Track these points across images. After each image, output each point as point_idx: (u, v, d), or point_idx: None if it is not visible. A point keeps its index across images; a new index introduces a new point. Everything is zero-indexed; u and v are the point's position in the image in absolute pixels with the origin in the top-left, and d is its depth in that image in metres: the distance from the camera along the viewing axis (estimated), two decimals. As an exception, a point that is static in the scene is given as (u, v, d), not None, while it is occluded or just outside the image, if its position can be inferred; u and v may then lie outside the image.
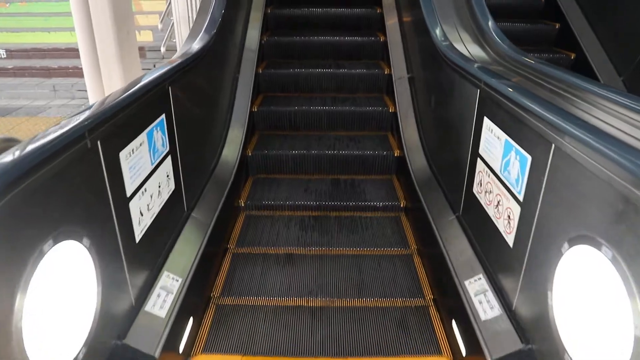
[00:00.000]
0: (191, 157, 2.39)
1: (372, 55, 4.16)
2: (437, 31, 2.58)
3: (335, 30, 4.27)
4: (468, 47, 2.58)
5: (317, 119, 3.58)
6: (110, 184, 1.40)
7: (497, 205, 1.73)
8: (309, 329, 2.13)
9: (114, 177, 1.44)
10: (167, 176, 1.99)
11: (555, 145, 1.26)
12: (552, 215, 1.30)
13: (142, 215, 1.68)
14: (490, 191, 1.80)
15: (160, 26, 5.43)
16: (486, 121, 1.84)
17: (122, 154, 1.50)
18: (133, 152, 1.59)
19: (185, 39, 2.85)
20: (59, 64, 8.35)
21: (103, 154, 1.35)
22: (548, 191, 1.32)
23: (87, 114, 1.27)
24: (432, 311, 2.25)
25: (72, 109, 6.93)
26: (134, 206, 1.60)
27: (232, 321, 2.18)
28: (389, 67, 3.80)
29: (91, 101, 3.79)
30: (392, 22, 4.16)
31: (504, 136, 1.65)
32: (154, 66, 7.62)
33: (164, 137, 1.94)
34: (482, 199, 1.89)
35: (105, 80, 3.48)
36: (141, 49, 8.19)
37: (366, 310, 2.24)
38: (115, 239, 1.46)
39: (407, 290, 2.36)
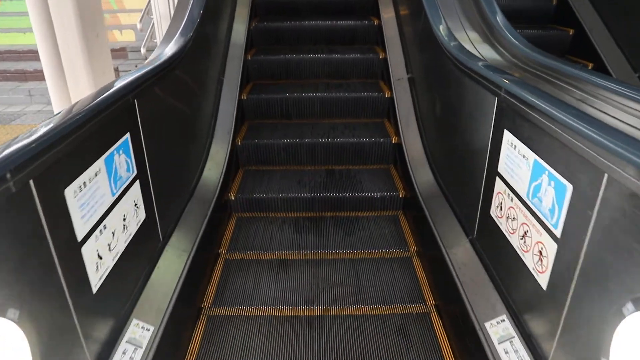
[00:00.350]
0: (167, 177, 2.14)
1: (366, 39, 4.01)
2: (442, 28, 2.33)
3: (327, 16, 4.10)
4: (477, 47, 2.33)
5: (310, 107, 3.44)
6: (52, 230, 1.14)
7: (523, 236, 1.48)
8: (306, 340, 2.02)
9: (57, 221, 1.17)
10: (136, 205, 1.73)
11: (608, 175, 1.02)
12: (607, 263, 1.05)
13: (101, 258, 1.42)
14: (514, 218, 1.56)
15: (139, 26, 5.14)
16: (507, 135, 1.59)
17: (69, 191, 1.23)
18: (85, 185, 1.33)
19: (160, 41, 2.59)
20: (35, 67, 8.02)
21: (39, 196, 1.09)
22: (598, 231, 1.08)
23: (11, 147, 1.01)
24: (434, 318, 2.12)
25: (48, 115, 6.62)
26: (89, 250, 1.34)
27: (224, 334, 2.06)
28: (384, 51, 3.62)
29: (56, 111, 3.50)
30: (388, 15, 3.92)
31: (532, 156, 1.41)
32: (136, 67, 7.31)
33: (129, 160, 1.67)
34: (503, 225, 1.64)
35: (72, 88, 3.18)
36: (122, 49, 7.90)
37: (365, 318, 2.14)
38: (62, 296, 1.20)
39: (407, 295, 2.26)
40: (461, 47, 2.06)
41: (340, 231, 2.71)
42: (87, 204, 1.33)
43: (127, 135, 1.66)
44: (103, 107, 1.42)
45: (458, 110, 2.12)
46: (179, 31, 2.43)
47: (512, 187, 1.57)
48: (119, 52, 7.59)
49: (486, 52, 2.24)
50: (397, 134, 3.06)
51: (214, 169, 2.85)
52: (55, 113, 1.54)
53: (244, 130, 3.32)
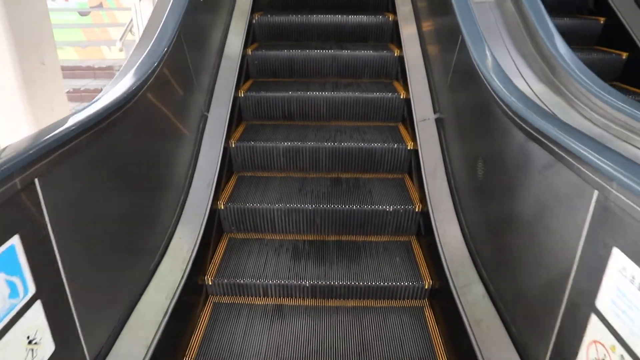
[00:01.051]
0: (104, 271, 1.57)
1: (380, 37, 3.83)
2: (492, 70, 1.76)
3: (337, 10, 3.91)
4: (544, 100, 1.77)
5: (315, 107, 3.21)
6: None
7: None
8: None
9: None
10: (32, 342, 1.17)
11: None
12: None
13: None
14: (635, 402, 0.97)
15: (119, 45, 4.64)
16: (619, 257, 1.02)
17: None
18: None
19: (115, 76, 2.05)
20: None
21: None
22: None
23: None
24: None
25: None
26: None
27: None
28: (400, 49, 3.41)
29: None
30: (409, 32, 3.43)
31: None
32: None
33: (17, 279, 1.11)
34: (608, 400, 1.05)
35: (3, 131, 2.59)
36: (109, 68, 7.43)
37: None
38: None
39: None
40: (528, 103, 1.48)
41: (345, 259, 2.43)
42: None
43: (15, 239, 1.10)
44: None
45: (519, 189, 1.54)
46: (135, 66, 1.90)
47: (629, 347, 0.98)
48: (106, 71, 7.11)
49: (558, 107, 1.67)
50: (423, 203, 2.51)
51: (186, 236, 2.29)
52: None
53: (240, 131, 3.07)
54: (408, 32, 3.47)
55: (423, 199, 2.51)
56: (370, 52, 3.45)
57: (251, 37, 3.76)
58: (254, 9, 3.85)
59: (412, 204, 2.55)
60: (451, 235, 2.13)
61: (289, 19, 3.79)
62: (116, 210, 1.65)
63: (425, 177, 2.48)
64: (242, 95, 3.16)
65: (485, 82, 1.72)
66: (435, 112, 2.70)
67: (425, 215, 2.45)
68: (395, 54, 3.42)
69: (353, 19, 3.76)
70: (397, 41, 3.58)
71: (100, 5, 9.58)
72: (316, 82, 3.43)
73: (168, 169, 2.21)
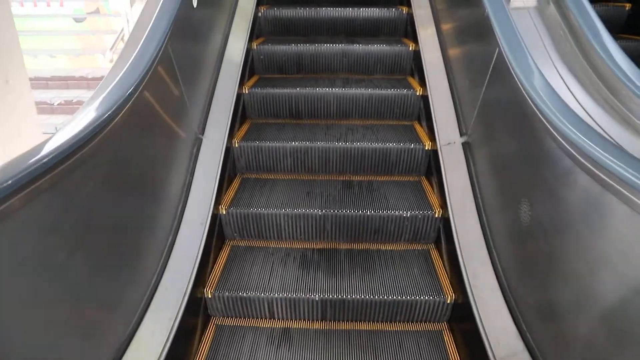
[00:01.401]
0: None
1: (393, 31, 3.69)
2: (548, 100, 1.42)
3: (348, 3, 3.77)
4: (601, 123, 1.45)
5: (324, 105, 3.05)
6: None
7: None
8: None
9: None
10: None
11: None
12: None
13: None
14: None
15: (110, 55, 4.34)
16: None
17: None
18: None
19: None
20: None
21: None
22: None
23: None
24: None
25: None
26: None
27: None
28: (415, 42, 3.22)
29: None
30: (427, 31, 3.16)
31: None
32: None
33: None
34: None
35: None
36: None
37: None
38: None
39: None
40: (608, 146, 1.15)
41: (358, 270, 2.27)
42: None
43: None
44: None
45: (590, 249, 1.21)
46: (101, 97, 1.59)
47: None
48: (100, 81, 6.82)
49: (623, 136, 1.35)
50: (444, 209, 2.21)
51: (174, 286, 1.97)
52: None
53: (244, 130, 2.91)
54: (426, 31, 3.19)
55: (444, 206, 2.27)
56: (383, 47, 3.28)
57: (256, 31, 3.61)
58: (259, 2, 3.69)
59: (431, 209, 2.37)
60: (487, 287, 1.80)
61: (297, 12, 3.67)
62: (76, 280, 1.32)
63: (452, 210, 2.15)
64: (247, 91, 2.99)
65: (539, 114, 1.39)
66: (462, 134, 2.38)
67: (445, 220, 2.21)
68: (410, 48, 3.23)
69: (364, 12, 3.62)
70: (413, 37, 3.34)
71: (97, 11, 9.32)
72: (326, 78, 3.27)
73: (148, 213, 1.88)
